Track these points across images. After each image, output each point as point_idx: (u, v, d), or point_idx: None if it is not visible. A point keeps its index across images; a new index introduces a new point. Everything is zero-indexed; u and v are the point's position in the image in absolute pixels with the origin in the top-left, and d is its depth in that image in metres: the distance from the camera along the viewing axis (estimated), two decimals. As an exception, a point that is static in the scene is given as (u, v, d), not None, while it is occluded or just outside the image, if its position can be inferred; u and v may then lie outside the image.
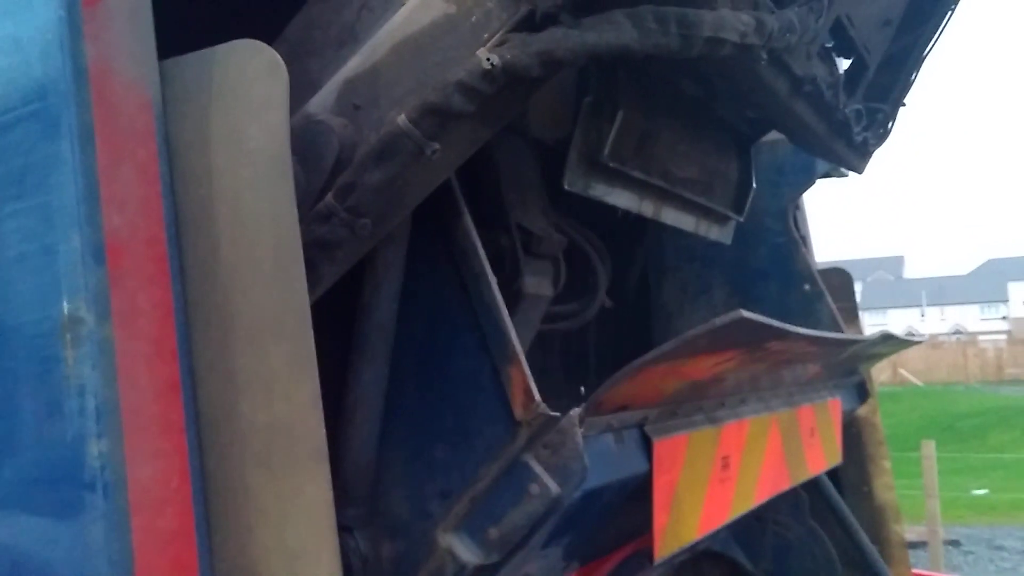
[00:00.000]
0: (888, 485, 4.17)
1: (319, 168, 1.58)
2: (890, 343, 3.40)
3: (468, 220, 1.78)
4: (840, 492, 3.83)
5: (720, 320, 1.71)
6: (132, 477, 1.19)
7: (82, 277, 1.21)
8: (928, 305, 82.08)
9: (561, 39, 1.51)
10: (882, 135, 2.82)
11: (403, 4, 1.61)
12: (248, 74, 1.31)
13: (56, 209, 1.23)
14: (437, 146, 1.54)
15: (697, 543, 2.53)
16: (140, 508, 1.20)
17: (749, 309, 3.66)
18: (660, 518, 2.06)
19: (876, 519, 4.07)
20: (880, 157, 2.98)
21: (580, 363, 3.58)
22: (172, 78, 1.33)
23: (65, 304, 1.21)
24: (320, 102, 1.63)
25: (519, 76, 1.51)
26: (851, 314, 3.92)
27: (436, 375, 1.79)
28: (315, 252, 1.51)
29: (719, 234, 3.19)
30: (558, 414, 1.70)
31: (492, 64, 1.49)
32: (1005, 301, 79.37)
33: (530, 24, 1.54)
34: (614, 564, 2.61)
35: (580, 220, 3.48)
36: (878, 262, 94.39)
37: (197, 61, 1.34)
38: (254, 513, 1.28)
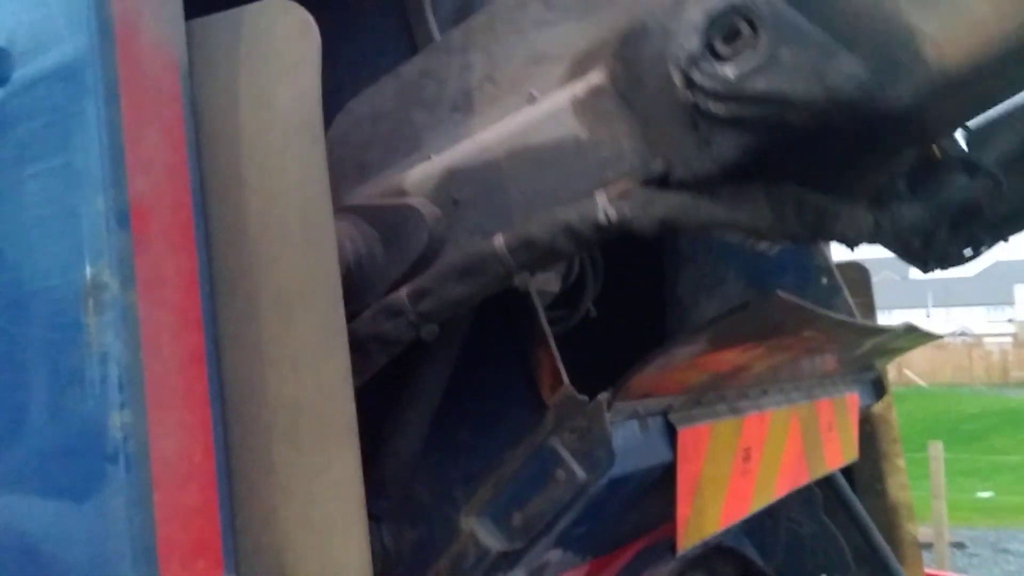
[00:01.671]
0: (902, 484, 4.13)
1: (402, 256, 1.51)
2: (912, 336, 3.36)
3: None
4: (853, 489, 3.79)
5: (757, 301, 1.67)
6: (155, 450, 1.15)
7: (106, 241, 1.17)
8: (934, 306, 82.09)
9: (690, 209, 1.38)
10: (966, 259, 2.64)
11: (531, 100, 1.50)
12: (278, 34, 1.27)
13: (80, 170, 1.19)
14: (527, 275, 1.47)
15: (714, 537, 2.49)
16: (163, 483, 1.16)
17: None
18: (683, 509, 2.02)
19: (889, 518, 4.03)
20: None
21: (592, 356, 3.54)
22: (199, 39, 1.28)
23: (88, 269, 1.17)
24: (418, 181, 1.54)
25: (630, 233, 1.40)
26: (868, 310, 3.88)
27: (462, 357, 1.75)
28: (374, 345, 1.45)
29: (765, 244, 3.15)
30: (586, 397, 1.66)
31: (608, 219, 1.38)
32: (1011, 303, 79.35)
33: (660, 178, 1.40)
34: (631, 556, 2.57)
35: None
36: (883, 262, 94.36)
37: (225, 21, 1.30)
38: (279, 490, 1.24)
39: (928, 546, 9.63)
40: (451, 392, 1.74)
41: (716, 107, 1.26)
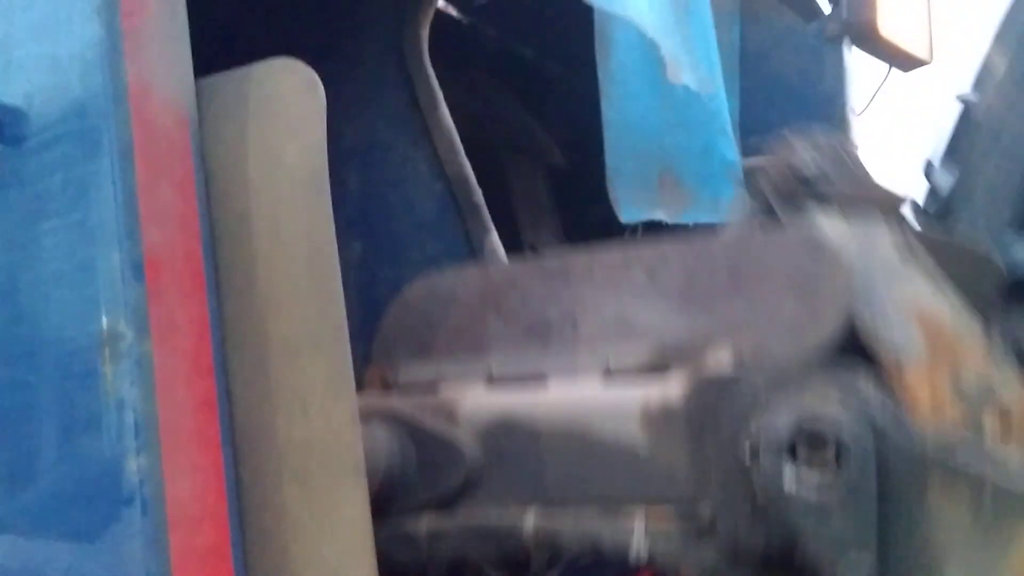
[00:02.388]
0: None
1: (435, 487, 1.51)
2: None
3: (496, 238, 1.81)
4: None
5: None
6: (170, 493, 1.19)
7: (121, 293, 1.21)
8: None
9: (720, 570, 1.35)
10: None
11: (606, 373, 1.47)
12: (285, 91, 1.32)
13: (96, 225, 1.24)
14: (547, 552, 1.47)
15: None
16: (178, 524, 1.19)
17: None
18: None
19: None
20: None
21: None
22: (209, 96, 1.33)
23: (104, 319, 1.22)
24: (472, 411, 1.52)
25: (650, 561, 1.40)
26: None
27: None
28: (381, 563, 1.40)
29: None
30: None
31: (638, 557, 1.38)
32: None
33: (702, 527, 1.37)
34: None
35: (591, 240, 3.49)
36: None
37: (233, 79, 1.35)
38: (290, 530, 1.27)
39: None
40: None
41: (763, 498, 1.24)
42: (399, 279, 1.83)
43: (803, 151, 1.52)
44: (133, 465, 1.18)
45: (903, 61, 3.61)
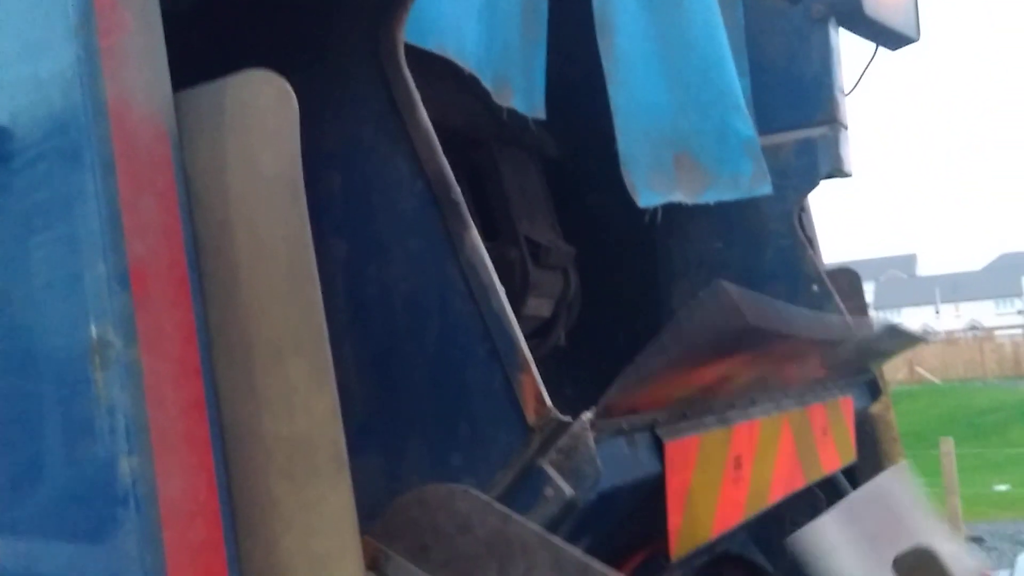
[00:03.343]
0: (904, 482, 4.18)
1: None
2: (896, 339, 3.41)
3: (475, 234, 1.83)
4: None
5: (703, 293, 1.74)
6: (162, 492, 1.25)
7: (108, 302, 1.26)
8: (942, 302, 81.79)
9: None
10: None
11: None
12: (260, 103, 1.37)
13: (81, 238, 1.29)
14: None
15: (714, 544, 2.56)
16: (171, 522, 1.25)
17: (758, 312, 3.65)
18: (674, 519, 2.10)
19: (893, 516, 4.08)
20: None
21: (590, 371, 3.63)
22: (187, 109, 1.38)
23: (93, 328, 1.27)
24: None
25: None
26: (861, 314, 3.95)
27: (449, 385, 1.84)
28: None
29: None
30: (570, 419, 1.74)
31: None
32: (1020, 295, 78.94)
33: None
34: (631, 569, 2.65)
35: (587, 230, 3.53)
36: (890, 261, 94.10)
37: (210, 92, 1.39)
38: (279, 522, 1.33)
39: (945, 543, 9.59)
40: (441, 419, 1.83)
41: None
42: (384, 278, 1.88)
43: None
44: (126, 466, 1.24)
45: (890, 39, 3.64)
